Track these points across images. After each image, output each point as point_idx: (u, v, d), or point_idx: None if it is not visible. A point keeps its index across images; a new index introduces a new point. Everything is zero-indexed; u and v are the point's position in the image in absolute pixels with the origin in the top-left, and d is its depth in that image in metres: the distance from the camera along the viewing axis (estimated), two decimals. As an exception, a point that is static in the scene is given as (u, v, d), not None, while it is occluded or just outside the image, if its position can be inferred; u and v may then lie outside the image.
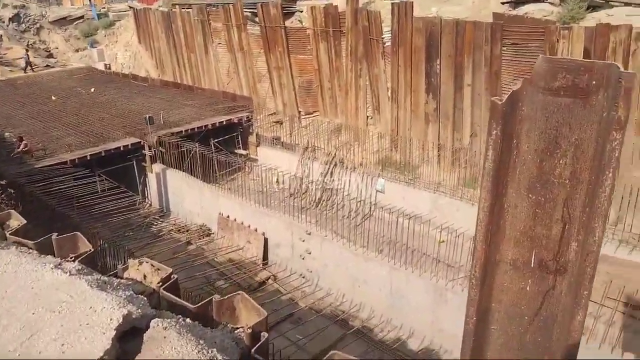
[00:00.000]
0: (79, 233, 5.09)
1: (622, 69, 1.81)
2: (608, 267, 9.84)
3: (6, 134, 17.42)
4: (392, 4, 17.71)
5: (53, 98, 22.83)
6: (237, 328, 3.73)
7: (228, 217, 14.12)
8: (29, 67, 29.30)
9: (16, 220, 5.37)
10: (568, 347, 2.28)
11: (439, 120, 16.77)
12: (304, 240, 12.21)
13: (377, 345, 10.44)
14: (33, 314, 3.12)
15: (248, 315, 3.73)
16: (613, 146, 1.86)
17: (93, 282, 3.49)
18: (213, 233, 14.87)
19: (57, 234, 5.00)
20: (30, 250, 4.56)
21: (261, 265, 13.14)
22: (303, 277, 12.47)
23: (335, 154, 16.34)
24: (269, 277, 12.67)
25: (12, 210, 5.44)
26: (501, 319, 2.41)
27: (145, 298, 3.58)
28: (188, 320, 3.40)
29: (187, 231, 15.27)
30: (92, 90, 23.87)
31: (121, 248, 12.62)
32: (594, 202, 1.99)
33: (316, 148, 17.38)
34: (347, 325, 11.00)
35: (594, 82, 1.86)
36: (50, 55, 31.46)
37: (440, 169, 16.77)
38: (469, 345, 2.45)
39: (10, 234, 4.88)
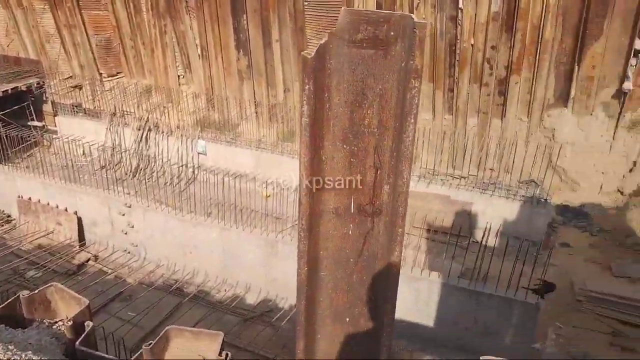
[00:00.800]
0: None
1: (416, 20, 1.95)
2: (411, 200, 11.16)
3: None
4: (191, -45, 16.83)
5: None
6: (56, 322, 3.34)
7: (30, 199, 12.45)
8: None
9: None
10: (389, 279, 2.53)
11: (253, 77, 16.78)
12: (124, 214, 11.41)
13: (215, 307, 10.45)
14: None
15: (67, 306, 3.36)
16: (413, 94, 2.03)
17: None
18: (14, 219, 13.03)
19: None
20: None
21: (78, 247, 11.98)
22: (128, 253, 11.74)
23: (147, 117, 15.37)
24: (89, 259, 11.64)
25: None
26: (329, 265, 2.55)
27: None
28: (-9, 326, 2.92)
29: (-20, 221, 13.14)
30: None
31: None
32: (400, 147, 2.17)
33: (125, 113, 16.12)
34: (182, 294, 10.76)
35: (392, 33, 1.99)
36: None
37: (260, 126, 16.96)
38: (303, 293, 2.56)
39: None
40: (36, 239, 12.18)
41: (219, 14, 16.34)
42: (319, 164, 2.31)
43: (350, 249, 2.48)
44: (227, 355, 2.91)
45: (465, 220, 12.09)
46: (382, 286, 2.52)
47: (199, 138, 14.70)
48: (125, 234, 11.55)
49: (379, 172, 2.27)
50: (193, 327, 9.23)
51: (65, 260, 11.46)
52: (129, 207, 11.27)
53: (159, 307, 10.32)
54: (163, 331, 3.01)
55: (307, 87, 2.08)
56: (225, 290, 11.09)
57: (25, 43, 21.15)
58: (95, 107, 18.42)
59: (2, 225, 12.96)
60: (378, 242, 2.43)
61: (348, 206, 2.40)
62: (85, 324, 3.15)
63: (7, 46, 21.59)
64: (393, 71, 2.05)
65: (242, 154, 14.26)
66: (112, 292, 10.68)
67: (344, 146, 2.26)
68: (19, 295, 3.30)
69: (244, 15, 16.01)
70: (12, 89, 16.05)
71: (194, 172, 14.67)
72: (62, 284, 9.93)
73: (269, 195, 12.50)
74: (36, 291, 3.35)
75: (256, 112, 17.00)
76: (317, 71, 2.07)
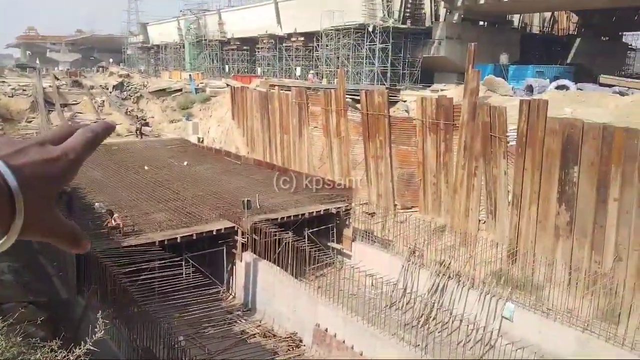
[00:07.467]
0: None
1: None
2: None
3: (96, 204, 16.66)
4: (521, 100, 16.06)
5: (146, 168, 22.47)
6: None
7: (326, 330, 12.06)
8: (139, 134, 29.98)
9: None
10: None
11: (574, 236, 14.32)
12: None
13: None
14: None
15: None
16: None
17: None
18: (304, 345, 12.79)
19: None
20: None
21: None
22: None
23: (449, 265, 14.15)
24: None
25: None
26: None
27: None
28: None
29: (274, 337, 13.30)
30: (185, 163, 23.39)
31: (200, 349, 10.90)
32: None
33: (423, 253, 15.29)
34: None
35: None
36: (147, 124, 32.09)
37: (570, 295, 14.08)
38: None
39: None
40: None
41: (544, 163, 14.78)
42: None
43: None
44: None
45: None
46: None
47: (507, 300, 12.66)
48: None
49: None
50: None
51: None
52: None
53: None
54: None
55: None
56: None
57: (334, 168, 23.15)
58: (382, 235, 18.35)
59: (293, 350, 12.79)
60: None
61: None
62: None
63: (318, 168, 23.98)
64: None
65: (561, 333, 11.58)
66: None
67: None
68: None
69: (576, 167, 14.06)
70: (324, 210, 17.00)
71: (492, 337, 12.54)
72: None
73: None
74: None
75: (569, 278, 14.27)
76: None
